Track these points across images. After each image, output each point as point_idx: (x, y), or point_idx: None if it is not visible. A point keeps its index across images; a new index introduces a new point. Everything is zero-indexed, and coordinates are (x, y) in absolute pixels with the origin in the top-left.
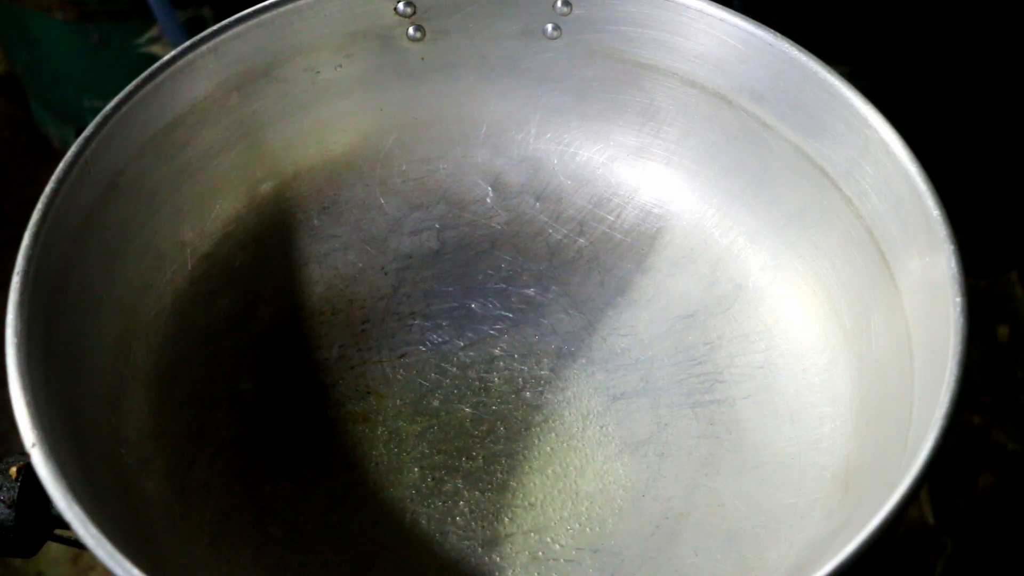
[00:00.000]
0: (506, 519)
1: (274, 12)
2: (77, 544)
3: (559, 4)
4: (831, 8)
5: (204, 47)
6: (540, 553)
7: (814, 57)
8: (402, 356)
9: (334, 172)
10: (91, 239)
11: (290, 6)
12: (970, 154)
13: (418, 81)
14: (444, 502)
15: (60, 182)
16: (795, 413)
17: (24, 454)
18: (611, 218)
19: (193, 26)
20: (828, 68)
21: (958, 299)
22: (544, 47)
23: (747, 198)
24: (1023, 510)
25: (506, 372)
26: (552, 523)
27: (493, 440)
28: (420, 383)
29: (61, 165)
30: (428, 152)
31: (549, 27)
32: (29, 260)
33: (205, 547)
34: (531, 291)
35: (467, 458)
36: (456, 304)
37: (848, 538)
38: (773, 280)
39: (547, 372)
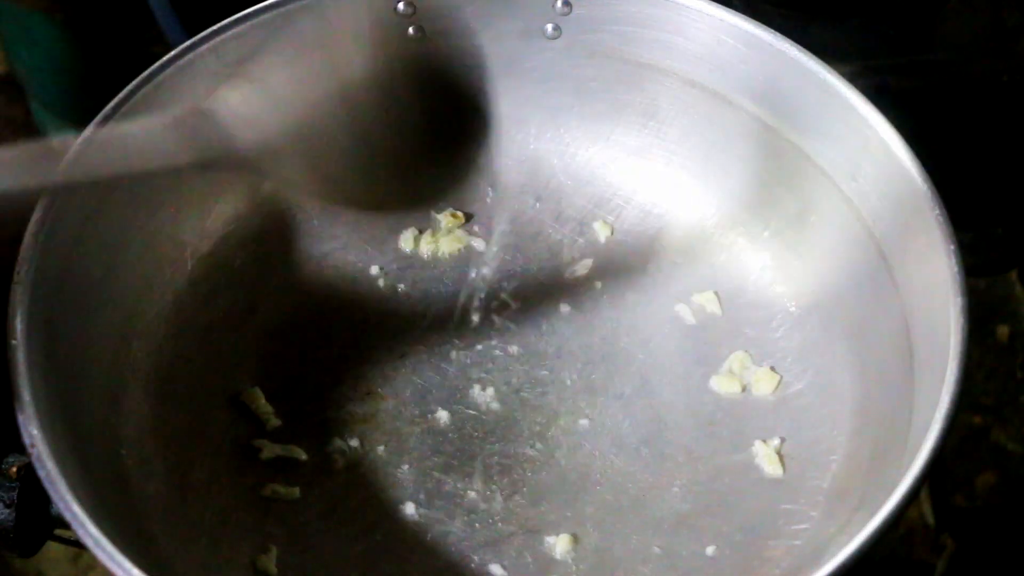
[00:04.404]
0: (506, 519)
1: (274, 12)
2: (77, 544)
3: (559, 4)
4: (833, 8)
5: (204, 47)
6: (540, 553)
7: (814, 57)
8: (402, 356)
9: None
10: (91, 239)
11: (290, 6)
12: (970, 154)
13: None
14: (444, 502)
15: None
16: (795, 413)
17: (24, 454)
18: (611, 218)
19: (193, 26)
20: (828, 68)
21: (958, 299)
22: (544, 47)
23: (747, 198)
24: (1023, 510)
25: (506, 372)
26: (552, 523)
27: (492, 440)
28: (420, 383)
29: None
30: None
31: (549, 27)
32: (29, 260)
33: (205, 547)
34: (531, 291)
35: (467, 458)
36: (455, 304)
37: (848, 538)
38: (773, 280)
39: (547, 372)
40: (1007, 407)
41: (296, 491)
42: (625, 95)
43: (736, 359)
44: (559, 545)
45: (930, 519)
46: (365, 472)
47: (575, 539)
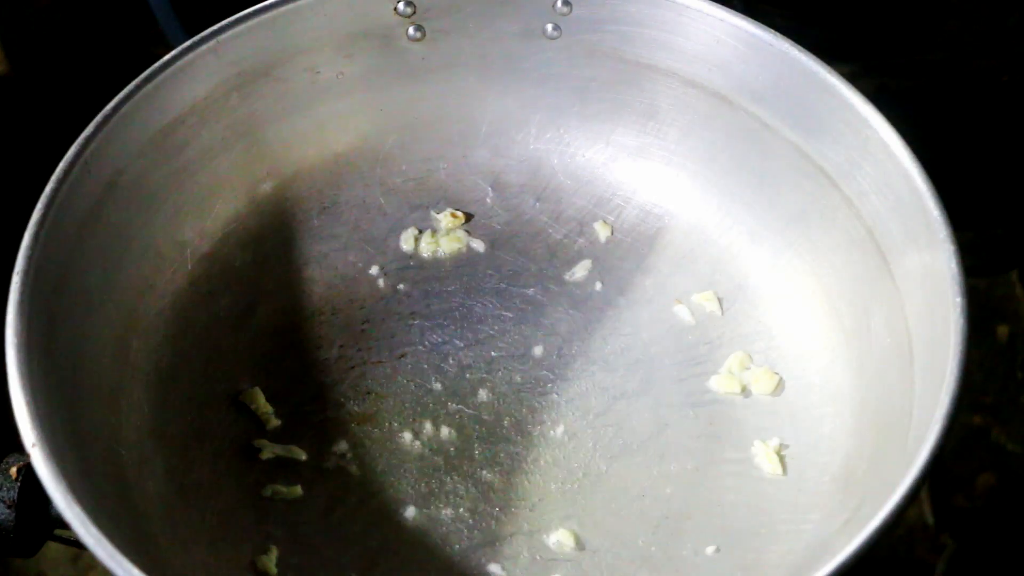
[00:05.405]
0: (506, 519)
1: (274, 12)
2: (77, 544)
3: (559, 4)
4: (833, 8)
5: (204, 47)
6: (540, 553)
7: (814, 57)
8: (402, 356)
9: (334, 172)
10: (91, 239)
11: (290, 6)
12: (970, 154)
13: (418, 81)
14: (444, 502)
15: (60, 182)
16: (795, 413)
17: (24, 454)
18: (611, 218)
19: (193, 26)
20: (828, 68)
21: (958, 299)
22: (544, 47)
23: (747, 198)
24: (1023, 510)
25: (506, 372)
26: (552, 523)
27: (493, 440)
28: (420, 383)
29: (61, 165)
30: (428, 152)
31: (549, 27)
32: (29, 260)
33: (205, 547)
34: (531, 291)
35: (467, 458)
36: (456, 304)
37: (848, 538)
38: (773, 280)
39: (547, 372)
40: (1007, 407)
41: (298, 489)
42: (625, 95)
43: (736, 359)
44: (559, 545)
45: (930, 519)
46: (365, 472)
47: (575, 539)
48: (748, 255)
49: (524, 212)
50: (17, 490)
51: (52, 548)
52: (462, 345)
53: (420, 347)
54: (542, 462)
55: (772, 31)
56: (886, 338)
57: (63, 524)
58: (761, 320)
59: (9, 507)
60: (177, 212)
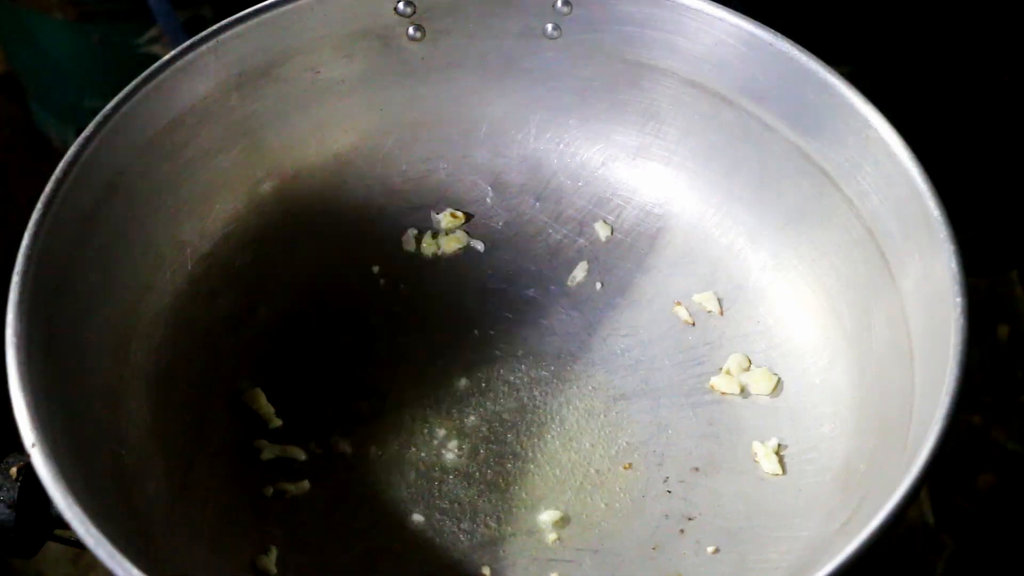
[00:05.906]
0: (506, 519)
1: (274, 12)
2: (77, 544)
3: (559, 4)
4: (832, 8)
5: (204, 47)
6: (540, 553)
7: (814, 57)
8: (402, 356)
9: (334, 172)
10: (91, 239)
11: (290, 6)
12: (970, 154)
13: (418, 81)
14: (444, 502)
15: (60, 182)
16: (795, 413)
17: (24, 454)
18: (611, 218)
19: (193, 26)
20: (828, 68)
21: (959, 299)
22: (544, 47)
23: (747, 198)
24: (1023, 510)
25: (506, 373)
26: (552, 523)
27: (493, 441)
28: (420, 383)
29: (61, 165)
30: (428, 152)
31: (549, 27)
32: (29, 260)
33: (205, 547)
34: (531, 291)
35: (467, 459)
36: (456, 304)
37: (848, 538)
38: (773, 280)
39: (547, 373)
40: (1007, 407)
41: (306, 484)
42: (625, 95)
43: (735, 360)
44: (558, 544)
45: (930, 519)
46: (365, 472)
47: (575, 538)
48: (748, 255)
49: (524, 212)
50: (17, 490)
51: (52, 548)
52: (463, 346)
53: (421, 347)
54: (542, 463)
55: (772, 31)
56: (886, 338)
57: (63, 524)
58: (761, 320)
59: (9, 507)
60: (177, 212)
